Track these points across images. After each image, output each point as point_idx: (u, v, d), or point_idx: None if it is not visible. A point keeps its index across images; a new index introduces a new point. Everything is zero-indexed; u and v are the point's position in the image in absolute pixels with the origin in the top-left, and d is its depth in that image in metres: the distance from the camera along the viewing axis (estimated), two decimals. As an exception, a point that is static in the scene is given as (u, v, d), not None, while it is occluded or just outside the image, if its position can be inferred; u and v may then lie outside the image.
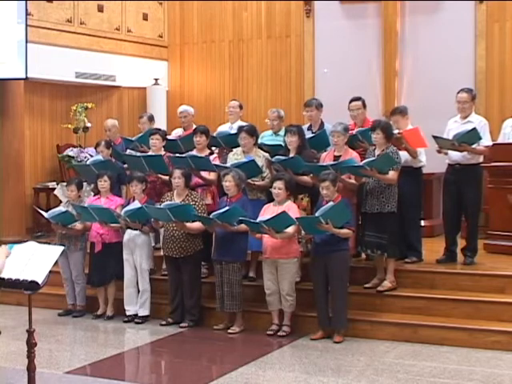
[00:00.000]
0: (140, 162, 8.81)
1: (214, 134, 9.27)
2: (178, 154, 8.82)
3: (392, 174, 7.76)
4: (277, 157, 8.20)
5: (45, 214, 8.91)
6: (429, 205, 10.17)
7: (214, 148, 9.21)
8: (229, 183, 7.95)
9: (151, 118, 10.11)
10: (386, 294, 7.98)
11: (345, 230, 7.44)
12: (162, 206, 8.09)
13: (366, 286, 8.13)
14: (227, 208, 7.74)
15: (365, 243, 8.02)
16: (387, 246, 7.82)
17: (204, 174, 8.68)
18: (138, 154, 9.20)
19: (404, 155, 8.19)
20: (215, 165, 8.59)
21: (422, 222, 9.07)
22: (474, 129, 8.09)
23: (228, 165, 8.42)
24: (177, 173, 8.28)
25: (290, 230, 7.59)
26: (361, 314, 7.85)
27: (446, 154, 8.41)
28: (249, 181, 8.25)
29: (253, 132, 8.57)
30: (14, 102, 11.40)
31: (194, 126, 9.32)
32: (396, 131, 8.32)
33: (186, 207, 8.04)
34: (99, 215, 8.52)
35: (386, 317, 7.81)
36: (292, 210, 7.69)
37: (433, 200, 10.44)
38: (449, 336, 7.38)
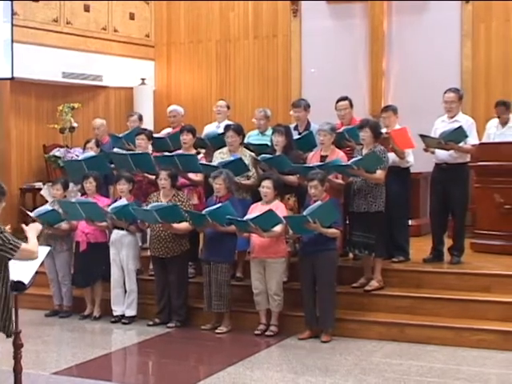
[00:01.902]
0: (127, 161, 8.76)
1: (202, 136, 9.25)
2: (165, 153, 8.80)
3: (379, 173, 7.77)
4: (263, 155, 8.20)
5: (31, 214, 8.87)
6: (416, 204, 10.19)
7: (200, 149, 9.18)
8: (219, 185, 7.93)
9: (141, 118, 10.12)
10: (373, 293, 7.98)
11: (332, 230, 7.44)
12: (148, 208, 8.06)
13: (354, 285, 8.13)
14: (220, 205, 7.73)
15: (352, 243, 8.02)
16: (375, 245, 7.82)
17: (191, 175, 8.67)
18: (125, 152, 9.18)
19: (391, 155, 8.20)
20: (202, 164, 8.57)
21: (410, 222, 9.09)
22: (461, 127, 8.11)
23: (215, 163, 8.40)
24: (163, 174, 8.27)
25: (278, 228, 7.58)
26: (348, 313, 7.85)
27: (433, 153, 8.43)
28: (235, 179, 8.24)
29: (240, 131, 8.57)
30: (-1, 102, 11.38)
31: (183, 125, 9.32)
32: (384, 130, 8.34)
33: (172, 208, 8.02)
34: (86, 211, 8.46)
35: (373, 316, 7.81)
36: (280, 209, 7.68)
37: (420, 199, 10.47)
38: (435, 335, 7.39)
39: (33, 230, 5.28)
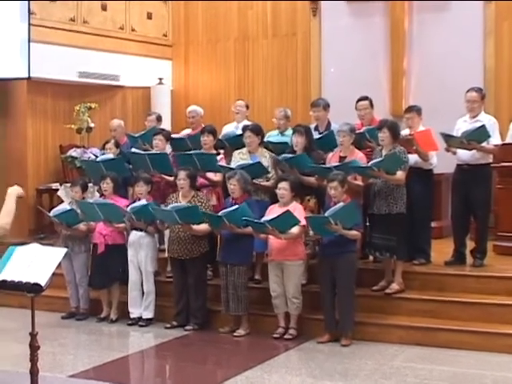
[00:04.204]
0: (145, 161, 8.78)
1: (220, 137, 9.26)
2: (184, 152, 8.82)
3: (400, 175, 7.74)
4: (283, 155, 8.18)
5: (49, 214, 8.90)
6: (438, 206, 10.12)
7: (220, 150, 9.19)
8: (233, 186, 7.94)
9: (159, 118, 10.15)
10: (393, 296, 7.96)
11: (354, 232, 7.43)
12: (168, 208, 8.07)
13: (374, 288, 8.11)
14: (237, 206, 7.73)
15: (372, 245, 8.00)
16: (395, 248, 7.80)
17: (210, 175, 8.67)
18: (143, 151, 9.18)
19: (414, 156, 8.17)
20: (220, 166, 8.57)
21: (431, 224, 9.03)
22: (483, 126, 8.05)
23: (233, 165, 8.40)
24: (181, 174, 8.28)
25: (295, 230, 7.58)
26: (368, 316, 7.82)
27: (455, 153, 8.38)
28: (254, 181, 8.24)
29: (258, 131, 8.56)
30: (16, 102, 11.41)
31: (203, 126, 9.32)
32: (407, 132, 8.31)
33: (192, 209, 8.02)
34: (104, 212, 8.48)
35: (393, 320, 7.79)
36: (297, 210, 7.67)
37: (442, 201, 10.40)
38: (458, 339, 7.35)
39: (13, 192, 5.30)
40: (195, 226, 8.08)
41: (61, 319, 9.03)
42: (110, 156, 9.38)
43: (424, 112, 8.64)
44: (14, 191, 5.45)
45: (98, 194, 9.43)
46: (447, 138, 8.24)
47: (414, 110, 8.61)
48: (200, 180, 8.62)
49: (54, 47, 11.88)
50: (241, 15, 13.22)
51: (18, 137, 11.44)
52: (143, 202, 8.41)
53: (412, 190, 7.97)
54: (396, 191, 7.80)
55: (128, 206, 8.59)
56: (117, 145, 9.58)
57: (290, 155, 8.16)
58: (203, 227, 8.10)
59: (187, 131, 10.05)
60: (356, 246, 7.68)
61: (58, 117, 12.62)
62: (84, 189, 9.08)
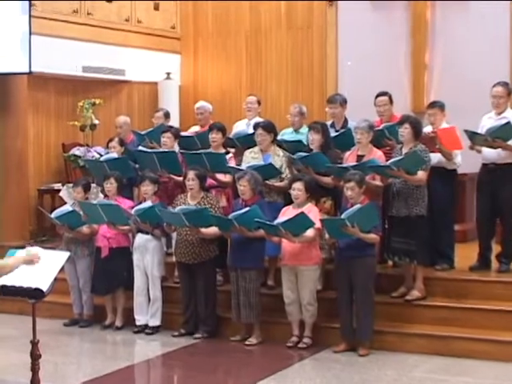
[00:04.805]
0: (152, 160, 8.80)
1: (231, 135, 9.27)
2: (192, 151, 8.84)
3: (421, 175, 7.74)
4: (298, 153, 8.19)
5: (50, 215, 8.94)
6: (461, 208, 10.09)
7: (230, 149, 9.20)
8: (243, 187, 7.94)
9: (167, 115, 10.11)
10: (414, 303, 7.96)
11: (372, 235, 7.43)
12: (176, 211, 8.08)
13: (393, 294, 8.12)
14: (248, 209, 7.73)
15: (392, 250, 8.01)
16: (416, 252, 7.80)
17: (219, 176, 8.68)
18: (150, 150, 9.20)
19: (437, 155, 8.16)
20: (230, 167, 8.58)
21: (455, 227, 9.02)
22: (509, 123, 8.02)
23: (244, 166, 8.41)
24: (191, 174, 8.29)
25: (310, 233, 7.59)
26: (387, 324, 7.83)
27: (479, 151, 8.37)
28: (266, 182, 8.25)
29: (270, 128, 8.56)
30: (16, 98, 11.44)
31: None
32: (429, 129, 8.29)
33: (202, 211, 8.04)
34: (108, 214, 8.51)
35: (414, 328, 7.79)
36: (312, 212, 7.68)
37: (466, 202, 10.37)
38: (482, 349, 7.34)
39: (20, 255, 5.21)
40: (204, 229, 8.10)
41: (63, 326, 9.06)
42: (114, 155, 9.40)
43: (447, 108, 8.62)
44: (23, 257, 5.27)
45: (102, 196, 9.44)
46: (471, 135, 8.22)
47: (437, 105, 8.59)
48: (208, 180, 8.64)
49: (57, 40, 11.91)
50: (253, 6, 13.21)
51: (18, 135, 11.47)
52: (149, 203, 8.42)
53: (434, 191, 7.97)
54: (416, 192, 7.79)
55: (133, 207, 8.62)
56: (121, 143, 9.60)
57: (305, 154, 8.17)
58: (212, 230, 8.11)
59: (195, 128, 10.06)
60: (374, 249, 7.67)
61: (61, 113, 12.66)
62: (86, 189, 9.11)
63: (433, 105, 8.67)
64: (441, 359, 7.38)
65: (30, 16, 10.86)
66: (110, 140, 9.73)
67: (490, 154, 8.29)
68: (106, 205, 8.62)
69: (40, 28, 11.40)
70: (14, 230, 11.31)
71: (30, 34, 10.83)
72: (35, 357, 5.40)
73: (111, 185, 8.86)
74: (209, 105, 10.07)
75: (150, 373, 7.79)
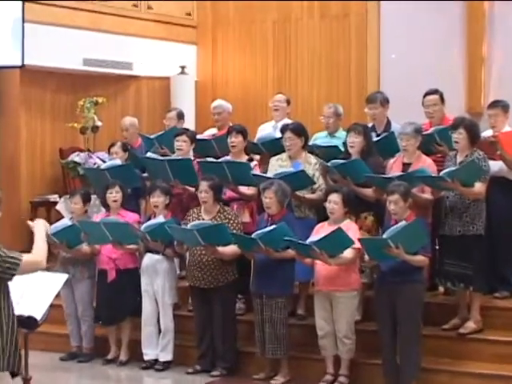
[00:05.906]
0: (164, 168, 8.79)
1: (255, 140, 9.26)
2: (210, 159, 8.82)
3: (479, 187, 7.69)
4: (334, 161, 8.15)
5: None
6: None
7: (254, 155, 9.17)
8: (269, 200, 7.91)
9: (180, 116, 10.12)
10: (469, 337, 7.92)
11: (419, 257, 7.40)
12: (188, 227, 8.06)
13: (445, 327, 8.09)
14: (274, 226, 7.71)
15: (443, 274, 7.98)
16: (472, 277, 7.76)
17: (242, 188, 8.66)
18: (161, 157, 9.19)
19: (497, 163, 8.12)
20: (255, 175, 8.54)
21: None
22: None
23: (270, 174, 8.39)
24: (203, 185, 8.28)
25: (348, 253, 7.56)
26: (437, 361, 7.81)
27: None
28: (296, 193, 8.22)
29: (300, 131, 8.55)
30: (7, 96, 11.51)
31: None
32: (490, 133, 8.25)
33: (219, 228, 8.02)
34: (114, 233, 8.49)
35: (469, 366, 7.76)
36: (351, 230, 7.65)
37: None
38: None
39: (40, 226, 5.31)
40: (221, 248, 8.08)
41: (59, 361, 9.09)
42: (117, 162, 9.39)
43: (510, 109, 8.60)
44: (41, 226, 5.41)
45: (103, 210, 9.43)
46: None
47: (500, 105, 8.55)
48: (229, 192, 8.62)
49: (54, 29, 11.99)
50: (281, -10, 13.26)
51: (8, 138, 11.53)
52: (161, 218, 8.39)
53: (494, 206, 7.96)
54: (473, 207, 7.76)
55: (139, 221, 8.62)
56: (124, 148, 9.61)
57: (342, 161, 8.14)
58: (231, 249, 8.10)
59: (212, 131, 10.06)
60: (423, 274, 7.63)
61: (58, 113, 12.75)
62: (86, 200, 9.08)
63: (494, 104, 8.63)
64: (501, 403, 7.35)
65: (23, 0, 10.91)
66: (112, 145, 9.74)
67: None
68: (111, 223, 8.53)
69: (34, 14, 11.46)
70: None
71: (23, 21, 10.88)
72: (27, 396, 5.41)
73: (117, 193, 8.83)
74: (227, 104, 10.06)
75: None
